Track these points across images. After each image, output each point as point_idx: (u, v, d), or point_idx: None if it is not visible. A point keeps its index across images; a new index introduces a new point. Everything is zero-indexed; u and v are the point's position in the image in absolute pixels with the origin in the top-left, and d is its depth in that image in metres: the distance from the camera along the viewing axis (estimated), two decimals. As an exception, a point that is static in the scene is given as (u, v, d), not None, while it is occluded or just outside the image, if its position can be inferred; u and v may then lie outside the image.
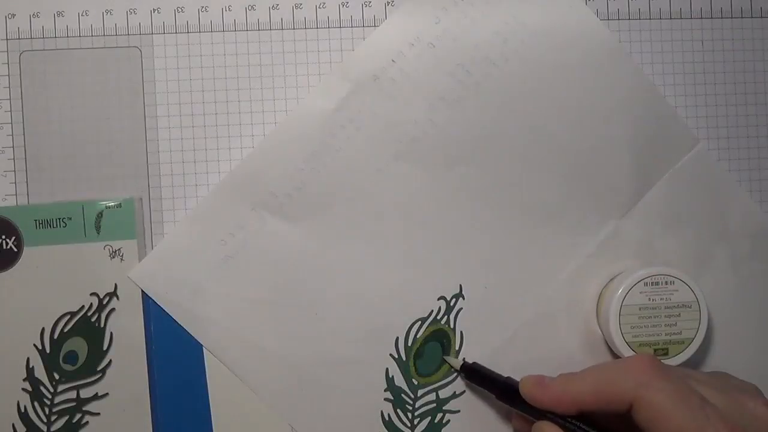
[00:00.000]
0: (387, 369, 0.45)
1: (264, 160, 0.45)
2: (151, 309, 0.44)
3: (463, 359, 0.45)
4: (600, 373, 0.39)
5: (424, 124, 0.45)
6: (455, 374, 0.46)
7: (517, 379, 0.42)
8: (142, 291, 0.44)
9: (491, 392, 0.43)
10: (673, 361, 0.43)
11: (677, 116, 0.47)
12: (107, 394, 0.44)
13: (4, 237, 0.43)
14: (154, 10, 0.45)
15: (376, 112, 0.45)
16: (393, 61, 0.45)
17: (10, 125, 0.45)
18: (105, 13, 0.45)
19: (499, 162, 0.46)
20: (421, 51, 0.45)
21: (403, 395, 0.45)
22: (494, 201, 0.46)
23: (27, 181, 0.45)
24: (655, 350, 0.43)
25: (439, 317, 0.46)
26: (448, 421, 0.46)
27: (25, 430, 0.44)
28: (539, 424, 0.40)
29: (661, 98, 0.46)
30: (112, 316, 0.44)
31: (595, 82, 0.46)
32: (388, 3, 0.46)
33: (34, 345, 0.44)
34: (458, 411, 0.46)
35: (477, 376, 0.44)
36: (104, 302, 0.44)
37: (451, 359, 0.45)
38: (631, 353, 0.43)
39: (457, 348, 0.46)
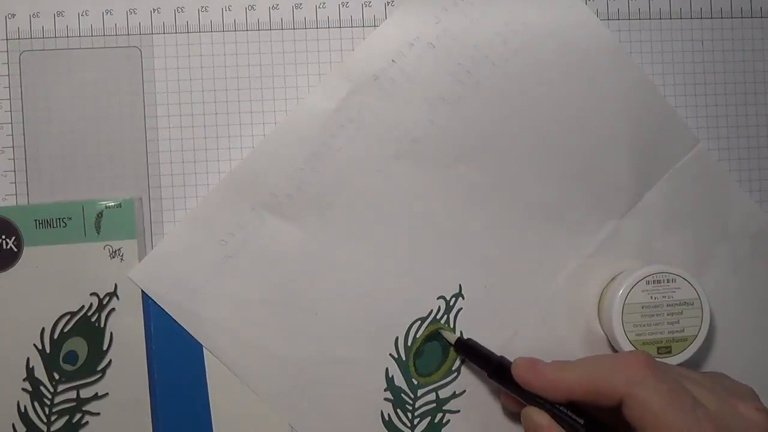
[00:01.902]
0: (387, 369, 0.45)
1: (264, 160, 0.45)
2: (151, 309, 0.44)
3: (460, 332, 0.45)
4: (593, 366, 0.39)
5: (424, 124, 0.45)
6: (455, 374, 0.46)
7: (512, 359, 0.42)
8: (142, 291, 0.44)
9: (483, 369, 0.43)
10: (676, 359, 0.43)
11: (677, 116, 0.47)
12: (107, 394, 0.44)
13: (4, 237, 0.43)
14: (154, 10, 0.45)
15: (376, 112, 0.45)
16: (393, 61, 0.45)
17: (10, 125, 0.45)
18: (105, 13, 0.45)
19: (499, 162, 0.46)
20: (421, 51, 0.45)
21: (403, 395, 0.45)
22: (494, 201, 0.46)
23: (27, 181, 0.45)
24: (658, 348, 0.43)
25: (438, 317, 0.45)
26: (448, 421, 0.46)
27: (25, 430, 0.43)
28: (528, 410, 0.40)
29: (661, 98, 0.46)
30: (112, 316, 0.44)
31: (595, 82, 0.46)
32: (388, 3, 0.46)
33: (34, 345, 0.44)
34: (458, 411, 0.46)
35: (470, 352, 0.44)
36: (104, 302, 0.44)
37: (446, 333, 0.45)
38: (633, 352, 0.43)
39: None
